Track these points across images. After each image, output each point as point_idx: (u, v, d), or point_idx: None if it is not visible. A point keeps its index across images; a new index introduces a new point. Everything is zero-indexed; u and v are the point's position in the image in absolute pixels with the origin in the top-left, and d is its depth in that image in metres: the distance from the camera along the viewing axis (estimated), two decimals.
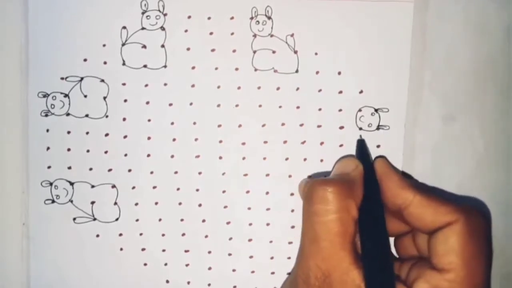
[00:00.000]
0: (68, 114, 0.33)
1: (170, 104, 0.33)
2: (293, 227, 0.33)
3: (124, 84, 0.32)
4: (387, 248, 0.26)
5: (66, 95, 0.32)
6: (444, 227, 0.25)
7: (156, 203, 0.33)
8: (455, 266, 0.24)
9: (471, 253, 0.24)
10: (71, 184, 0.33)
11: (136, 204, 0.33)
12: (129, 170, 0.33)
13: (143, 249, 0.33)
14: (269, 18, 0.32)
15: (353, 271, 0.24)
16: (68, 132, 0.33)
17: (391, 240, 0.30)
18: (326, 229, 0.25)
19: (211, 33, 0.32)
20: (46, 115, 0.32)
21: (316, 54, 0.32)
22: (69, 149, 0.33)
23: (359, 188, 0.27)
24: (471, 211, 0.25)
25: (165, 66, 0.32)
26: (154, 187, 0.33)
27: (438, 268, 0.25)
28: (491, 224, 0.26)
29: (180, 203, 0.33)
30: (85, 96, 0.32)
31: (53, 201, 0.33)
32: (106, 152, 0.33)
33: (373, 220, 0.26)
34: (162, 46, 0.32)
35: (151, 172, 0.33)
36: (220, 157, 0.33)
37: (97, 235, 0.33)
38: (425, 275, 0.25)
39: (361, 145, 0.31)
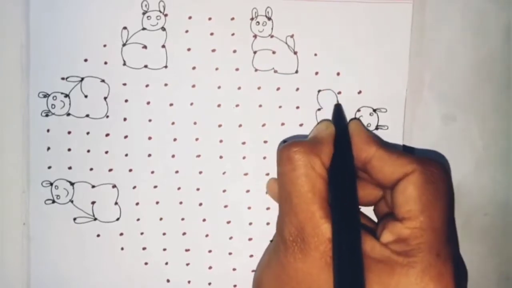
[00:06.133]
0: (68, 114, 0.33)
1: (171, 104, 0.33)
2: None
3: (124, 84, 0.33)
4: (355, 202, 0.27)
5: (67, 95, 0.32)
6: (402, 178, 0.26)
7: (157, 203, 0.33)
8: (414, 213, 0.25)
9: (428, 200, 0.25)
10: (72, 184, 0.33)
11: (137, 203, 0.33)
12: (130, 170, 0.33)
13: (144, 249, 0.33)
14: (269, 19, 0.32)
15: (323, 225, 0.25)
16: (69, 132, 0.33)
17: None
18: (295, 186, 0.26)
19: (211, 34, 0.32)
20: (47, 115, 0.32)
21: (315, 55, 0.33)
22: (69, 149, 0.33)
23: (327, 146, 0.28)
24: (427, 162, 0.26)
25: (165, 67, 0.33)
26: (155, 187, 0.33)
27: (399, 218, 0.26)
28: (449, 172, 0.28)
29: (180, 203, 0.33)
30: (86, 96, 0.33)
31: (53, 201, 0.33)
32: (106, 152, 0.33)
33: (342, 176, 0.27)
34: (163, 46, 0.32)
35: (152, 172, 0.33)
36: (221, 157, 0.33)
37: (98, 235, 0.33)
38: (388, 226, 0.26)
39: (337, 109, 0.32)
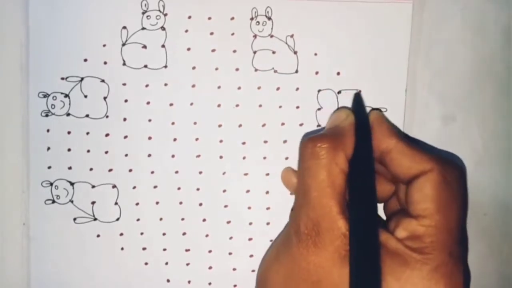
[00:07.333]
0: (68, 114, 0.33)
1: (171, 104, 0.33)
2: None
3: (124, 84, 0.33)
4: (374, 194, 0.27)
5: (67, 95, 0.32)
6: (420, 175, 0.26)
7: (157, 203, 0.33)
8: (430, 212, 0.25)
9: (446, 200, 0.25)
10: (72, 184, 0.33)
11: (137, 204, 0.33)
12: (130, 170, 0.33)
13: (144, 249, 0.33)
14: (269, 18, 0.32)
15: (340, 220, 0.25)
16: (69, 132, 0.33)
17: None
18: (316, 181, 0.26)
19: (211, 33, 0.32)
20: (47, 115, 0.32)
21: (315, 54, 0.33)
22: (69, 149, 0.33)
23: (349, 138, 0.27)
24: (446, 161, 0.26)
25: (165, 66, 0.33)
26: (155, 187, 0.33)
27: (415, 215, 0.26)
28: (466, 175, 0.28)
29: (180, 203, 0.33)
30: (86, 96, 0.33)
31: (53, 201, 0.33)
32: (106, 152, 0.33)
33: (362, 168, 0.27)
34: (163, 46, 0.32)
35: (152, 172, 0.33)
36: (221, 157, 0.33)
37: (98, 235, 0.33)
38: (402, 223, 0.26)
39: (357, 97, 0.32)
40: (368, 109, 0.32)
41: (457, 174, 0.26)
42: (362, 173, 0.27)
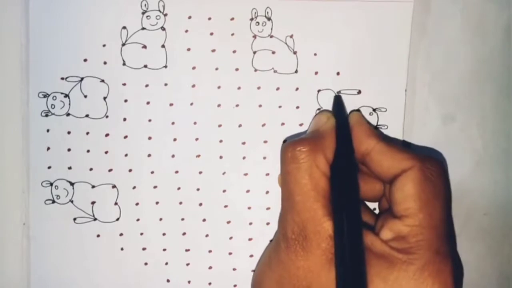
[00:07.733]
0: (68, 114, 0.33)
1: (171, 104, 0.33)
2: None
3: (124, 84, 0.33)
4: (356, 196, 0.27)
5: (67, 95, 0.32)
6: (400, 174, 0.26)
7: (157, 203, 0.33)
8: (413, 211, 0.25)
9: (428, 197, 0.25)
10: (72, 184, 0.33)
11: (137, 204, 0.33)
12: (130, 170, 0.33)
13: (143, 249, 0.33)
14: (269, 19, 0.32)
15: (326, 222, 0.26)
16: (69, 132, 0.33)
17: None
18: (299, 185, 0.26)
19: (211, 34, 0.32)
20: (47, 115, 0.32)
21: (315, 54, 0.33)
22: (69, 149, 0.33)
23: (330, 141, 0.28)
24: (425, 158, 0.26)
25: (165, 66, 0.33)
26: (155, 187, 0.33)
27: (398, 215, 0.26)
28: (447, 170, 0.28)
29: (180, 203, 0.33)
30: (85, 96, 0.33)
31: (53, 201, 0.33)
32: (106, 152, 0.33)
33: (344, 170, 0.27)
34: (163, 46, 0.32)
35: (152, 172, 0.33)
36: (221, 157, 0.33)
37: (98, 235, 0.33)
38: (387, 223, 0.26)
39: (337, 100, 0.32)
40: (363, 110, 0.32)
41: (437, 169, 0.26)
42: (344, 176, 0.27)
